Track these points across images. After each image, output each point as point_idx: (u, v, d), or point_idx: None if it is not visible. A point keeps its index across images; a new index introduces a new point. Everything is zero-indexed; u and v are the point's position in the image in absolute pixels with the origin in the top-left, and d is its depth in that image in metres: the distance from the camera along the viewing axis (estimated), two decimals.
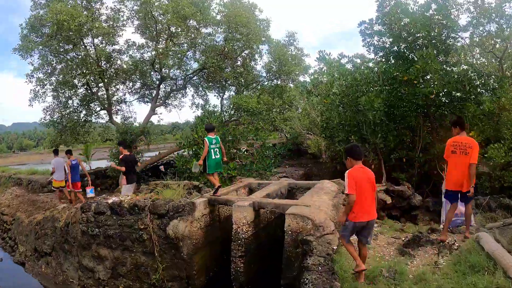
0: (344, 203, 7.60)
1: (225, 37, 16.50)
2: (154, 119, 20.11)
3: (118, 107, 21.01)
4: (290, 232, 6.43)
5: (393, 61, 11.14)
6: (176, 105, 21.07)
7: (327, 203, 7.13)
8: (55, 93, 16.38)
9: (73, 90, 17.18)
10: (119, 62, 18.30)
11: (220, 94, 19.45)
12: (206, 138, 8.43)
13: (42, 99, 15.43)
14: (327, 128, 12.55)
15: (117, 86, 20.19)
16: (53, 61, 15.06)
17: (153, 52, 16.57)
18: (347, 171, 4.91)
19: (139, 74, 18.82)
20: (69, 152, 13.17)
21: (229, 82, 17.87)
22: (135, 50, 17.71)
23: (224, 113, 17.47)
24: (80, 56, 14.74)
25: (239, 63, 17.77)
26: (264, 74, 18.08)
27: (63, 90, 16.47)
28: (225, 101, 20.09)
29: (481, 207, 8.45)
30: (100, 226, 9.63)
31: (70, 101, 17.03)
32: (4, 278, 11.70)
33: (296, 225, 6.38)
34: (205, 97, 20.60)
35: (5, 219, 16.09)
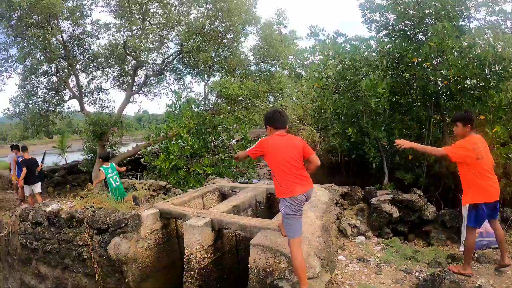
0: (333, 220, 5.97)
1: (203, 14, 14.43)
2: (133, 108, 18.37)
3: (96, 96, 19.34)
4: (256, 271, 4.48)
5: (397, 41, 9.19)
6: (156, 92, 19.24)
7: (314, 226, 5.10)
8: (22, 82, 14.43)
9: (41, 78, 15.30)
10: (93, 46, 16.49)
11: (204, 81, 17.55)
12: (101, 168, 8.34)
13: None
14: (319, 118, 10.63)
15: (94, 73, 18.43)
16: (10, 45, 13.08)
17: (126, 33, 14.58)
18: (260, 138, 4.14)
19: (116, 59, 16.92)
20: (15, 148, 11.81)
21: (214, 67, 15.89)
22: (105, 32, 15.74)
23: (206, 100, 15.48)
24: (44, 40, 12.70)
25: (224, 46, 15.77)
26: (252, 58, 16.01)
27: (30, 78, 14.50)
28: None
29: (508, 222, 6.62)
30: (38, 239, 8.04)
31: (36, 90, 15.02)
32: None
33: (264, 261, 4.43)
34: (185, 84, 18.71)
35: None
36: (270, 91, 14.96)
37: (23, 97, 14.38)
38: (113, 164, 8.77)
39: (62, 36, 14.18)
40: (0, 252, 9.94)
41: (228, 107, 13.04)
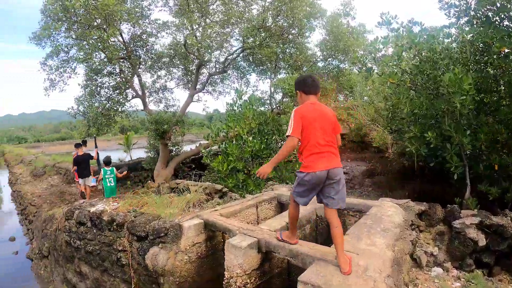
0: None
1: (264, 8, 13.56)
2: (198, 107, 18.18)
3: (161, 95, 19.54)
4: None
5: (481, 29, 7.55)
6: (220, 91, 18.86)
7: (384, 258, 3.78)
8: (87, 81, 14.80)
9: (106, 78, 15.61)
10: (156, 46, 16.55)
11: (269, 78, 16.72)
12: (101, 170, 10.14)
13: (60, 88, 13.88)
14: (393, 119, 9.26)
15: (158, 73, 18.55)
16: (69, 47, 13.33)
17: (186, 32, 14.25)
18: (294, 109, 3.69)
19: (180, 58, 16.82)
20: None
21: (280, 65, 15.00)
22: (164, 32, 15.58)
23: (272, 99, 14.60)
24: (102, 41, 12.83)
25: (289, 41, 14.80)
26: (319, 54, 14.82)
27: (93, 78, 14.82)
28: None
29: None
30: (81, 238, 7.89)
31: (99, 90, 15.33)
32: (9, 272, 11.60)
33: None
34: (249, 82, 18.06)
35: (31, 210, 15.17)
36: (339, 89, 13.72)
37: (87, 96, 14.59)
38: (113, 168, 10.23)
39: (122, 37, 14.18)
40: (49, 246, 10.27)
41: (293, 105, 12.09)
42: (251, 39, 12.85)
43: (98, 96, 15.15)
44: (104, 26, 12.35)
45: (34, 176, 22.61)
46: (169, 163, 16.59)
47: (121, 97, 15.96)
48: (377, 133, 16.50)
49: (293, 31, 14.32)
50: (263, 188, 8.67)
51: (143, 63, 17.07)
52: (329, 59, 14.30)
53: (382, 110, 11.12)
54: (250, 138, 10.61)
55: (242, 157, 10.39)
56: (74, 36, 12.85)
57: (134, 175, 18.38)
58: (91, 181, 12.00)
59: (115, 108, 15.20)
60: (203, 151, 11.67)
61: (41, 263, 11.11)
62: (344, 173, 17.48)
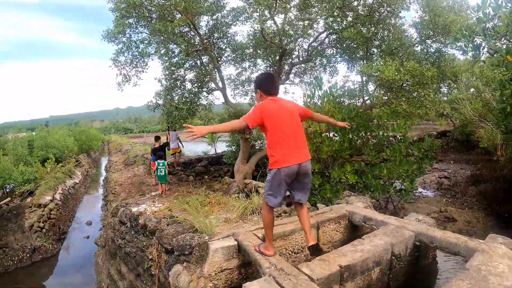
0: None
1: None
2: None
3: (248, 87, 18.57)
4: None
5: None
6: (308, 82, 17.15)
7: None
8: (166, 75, 14.39)
9: (187, 71, 15.09)
10: (238, 37, 15.55)
11: (359, 67, 14.46)
12: (156, 162, 11.08)
13: (134, 82, 13.47)
14: (509, 115, 6.72)
15: (242, 64, 17.55)
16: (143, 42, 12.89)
17: (262, 18, 12.82)
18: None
19: (262, 49, 15.58)
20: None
21: (372, 52, 12.76)
22: (239, 21, 14.34)
23: (363, 90, 12.41)
24: (178, 34, 12.20)
25: (380, 22, 12.41)
26: (415, 35, 12.14)
27: (173, 72, 14.33)
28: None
29: None
30: (122, 238, 7.35)
31: (179, 83, 14.77)
32: (75, 255, 12.21)
33: None
34: (337, 71, 15.91)
35: (110, 197, 15.34)
36: (441, 78, 11.02)
37: (165, 90, 14.13)
38: (165, 162, 10.99)
39: (196, 29, 13.31)
40: (106, 237, 10.01)
41: (384, 97, 9.87)
42: (331, 19, 10.95)
43: (177, 90, 14.57)
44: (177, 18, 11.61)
45: (125, 165, 23.58)
46: (250, 158, 15.44)
47: (201, 90, 15.22)
48: (484, 131, 13.77)
49: (383, 10, 11.99)
50: (340, 197, 6.91)
51: (225, 55, 16.15)
52: (427, 41, 11.61)
53: (495, 103, 8.54)
54: (331, 135, 8.89)
55: (319, 158, 8.69)
56: (147, 32, 12.46)
57: (214, 170, 17.74)
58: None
59: (194, 102, 14.46)
60: None
61: (101, 252, 11.15)
62: (445, 177, 14.93)
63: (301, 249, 4.59)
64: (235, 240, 4.31)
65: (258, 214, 7.03)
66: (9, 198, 15.24)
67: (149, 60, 12.85)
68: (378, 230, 4.34)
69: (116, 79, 12.81)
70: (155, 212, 6.31)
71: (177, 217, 5.88)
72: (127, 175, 19.42)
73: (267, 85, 3.75)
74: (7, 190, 16.43)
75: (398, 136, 8.93)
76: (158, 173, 10.96)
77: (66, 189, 17.93)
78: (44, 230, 12.51)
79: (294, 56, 15.76)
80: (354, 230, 5.10)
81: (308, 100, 9.85)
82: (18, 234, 11.83)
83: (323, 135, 8.77)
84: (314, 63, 15.85)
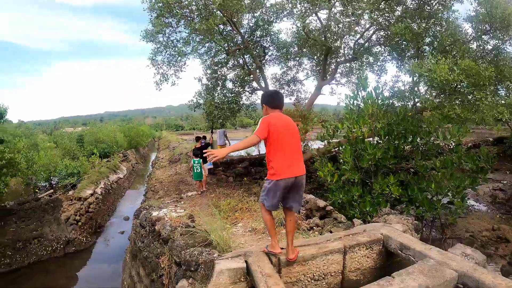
0: None
1: None
2: (331, 100, 15.89)
3: (293, 87, 17.94)
4: None
5: None
6: (355, 83, 16.16)
7: None
8: (207, 75, 14.11)
9: (229, 71, 14.74)
10: (282, 36, 14.92)
11: (407, 66, 13.19)
12: (192, 160, 11.49)
13: (172, 82, 13.09)
14: None
15: (288, 64, 16.92)
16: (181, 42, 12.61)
17: (305, 15, 12.08)
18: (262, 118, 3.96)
19: (305, 46, 14.89)
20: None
21: (424, 49, 11.60)
22: (279, 18, 13.63)
23: (414, 92, 11.29)
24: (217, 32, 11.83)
25: (431, 17, 11.20)
26: (470, 31, 10.77)
27: (215, 71, 13.98)
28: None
29: None
30: (142, 241, 7.07)
31: (221, 83, 14.43)
32: (108, 249, 12.49)
33: None
34: (385, 70, 14.71)
35: (149, 195, 15.31)
36: (499, 79, 9.58)
37: (208, 90, 13.81)
38: (200, 160, 11.29)
39: (236, 27, 12.80)
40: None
41: (436, 100, 8.75)
42: (376, 13, 9.99)
43: (218, 89, 14.24)
44: (219, 17, 11.22)
45: (170, 162, 23.75)
46: None
47: (243, 89, 14.80)
48: None
49: (434, 3, 10.80)
50: (381, 212, 6.11)
51: (268, 53, 15.59)
52: (484, 37, 10.21)
53: None
54: (375, 141, 8.02)
55: (359, 167, 7.86)
56: (186, 31, 12.15)
57: (255, 171, 17.13)
58: (206, 166, 12.73)
59: (235, 101, 14.05)
60: (313, 153, 9.47)
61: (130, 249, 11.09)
62: (500, 189, 13.71)
63: (323, 276, 3.91)
64: (245, 261, 3.74)
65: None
66: (51, 190, 15.68)
67: (187, 59, 12.51)
68: (414, 266, 3.53)
69: (153, 79, 12.61)
70: (175, 218, 5.89)
71: (193, 226, 5.40)
72: (169, 173, 19.47)
73: (272, 101, 4.01)
74: (54, 183, 16.96)
75: (450, 145, 7.88)
76: (194, 171, 11.44)
77: (109, 183, 18.24)
78: (79, 223, 12.69)
79: (339, 54, 14.88)
80: (389, 257, 4.30)
81: (351, 102, 9.02)
82: (53, 226, 12.08)
83: (366, 140, 7.94)
84: (361, 62, 14.86)
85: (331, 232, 5.92)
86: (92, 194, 15.15)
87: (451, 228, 8.78)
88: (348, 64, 15.58)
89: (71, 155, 21.84)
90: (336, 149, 9.36)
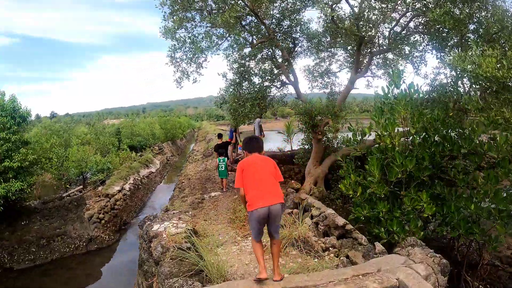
0: None
1: None
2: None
3: (327, 80, 16.91)
4: None
5: None
6: (391, 75, 14.92)
7: None
8: (234, 69, 13.41)
9: (258, 64, 13.98)
10: (312, 25, 13.92)
11: (447, 58, 11.71)
12: (217, 159, 12.37)
13: (193, 79, 12.28)
14: None
15: (320, 55, 15.93)
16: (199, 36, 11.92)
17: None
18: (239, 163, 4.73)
19: (336, 37, 13.90)
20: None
21: (468, 38, 10.25)
22: (312, 5, 12.56)
23: (455, 88, 10.02)
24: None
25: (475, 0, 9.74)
26: None
27: (241, 65, 13.29)
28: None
29: None
30: (144, 253, 6.56)
31: (248, 76, 13.66)
32: (130, 249, 12.11)
33: None
34: (425, 62, 13.25)
35: (175, 192, 15.06)
36: None
37: (233, 85, 13.11)
38: (225, 158, 12.29)
39: (259, 18, 11.94)
40: None
41: (481, 101, 7.53)
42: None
43: (246, 84, 13.50)
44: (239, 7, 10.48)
45: (203, 156, 23.35)
46: (323, 160, 13.81)
47: (272, 84, 13.97)
48: None
49: None
50: (404, 243, 5.22)
51: (299, 45, 14.67)
52: None
53: None
54: (400, 154, 6.88)
55: (387, 179, 6.89)
56: (207, 25, 11.47)
57: (285, 170, 16.20)
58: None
59: (262, 97, 13.27)
60: (338, 157, 8.50)
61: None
62: None
63: None
64: None
65: (301, 248, 5.68)
66: (81, 186, 15.78)
67: (208, 55, 11.81)
68: None
69: (173, 76, 11.98)
70: (171, 236, 5.34)
71: (187, 248, 4.79)
72: (199, 168, 19.14)
73: (249, 147, 4.67)
74: (88, 177, 17.14)
75: (496, 157, 6.65)
76: (219, 169, 12.18)
77: (139, 178, 18.21)
78: (103, 221, 12.68)
79: (374, 45, 13.64)
80: None
81: (381, 100, 7.97)
82: (76, 224, 12.13)
83: (396, 149, 6.84)
84: (398, 53, 13.59)
85: (347, 257, 5.14)
86: (119, 191, 15.10)
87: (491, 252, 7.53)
88: (383, 55, 14.34)
89: (105, 149, 22.10)
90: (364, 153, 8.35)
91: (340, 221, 6.12)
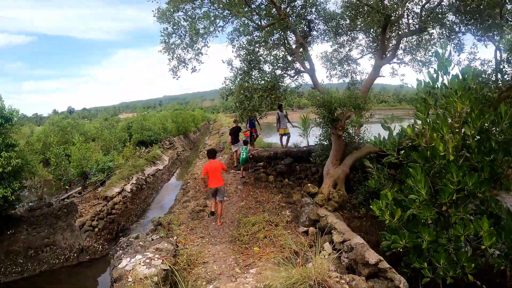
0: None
1: None
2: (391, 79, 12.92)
3: (347, 67, 15.13)
4: None
5: None
6: (422, 61, 13.02)
7: None
8: (242, 56, 11.62)
9: (268, 51, 12.19)
10: (330, 6, 12.21)
11: (493, 41, 9.81)
12: (241, 147, 13.90)
13: (192, 67, 10.52)
14: None
15: (339, 40, 14.18)
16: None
17: None
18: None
19: (356, 18, 12.43)
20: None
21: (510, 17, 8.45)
22: None
23: (499, 75, 8.29)
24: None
25: None
26: None
27: (250, 51, 11.50)
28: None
29: None
30: None
31: (257, 65, 11.87)
32: None
33: None
34: (461, 46, 11.20)
35: (178, 195, 13.70)
36: None
37: (240, 74, 11.44)
38: (247, 147, 13.55)
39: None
40: None
41: None
42: None
43: (255, 72, 11.79)
44: None
45: None
46: (344, 159, 12.08)
47: (285, 73, 12.28)
48: None
49: None
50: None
51: (314, 28, 12.95)
52: None
53: None
54: (455, 163, 5.17)
55: (435, 200, 5.23)
56: (209, 4, 9.79)
57: (300, 169, 14.34)
58: (236, 147, 15.01)
59: (274, 86, 11.57)
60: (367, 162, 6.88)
61: None
62: None
63: None
64: None
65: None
66: (79, 188, 14.58)
67: (208, 39, 10.06)
68: None
69: (169, 65, 10.31)
70: (138, 280, 3.90)
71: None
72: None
73: (209, 156, 9.28)
74: (87, 178, 15.97)
75: None
76: (242, 156, 13.23)
77: (143, 178, 16.89)
78: (96, 229, 11.41)
79: (402, 25, 11.78)
80: None
81: (424, 90, 6.20)
82: (66, 233, 10.94)
83: (450, 158, 5.09)
84: (430, 34, 11.67)
85: None
86: (119, 193, 13.81)
87: None
88: (413, 38, 12.49)
89: (111, 146, 20.93)
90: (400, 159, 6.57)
91: (372, 257, 4.56)
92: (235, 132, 14.91)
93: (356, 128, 12.59)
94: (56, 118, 24.51)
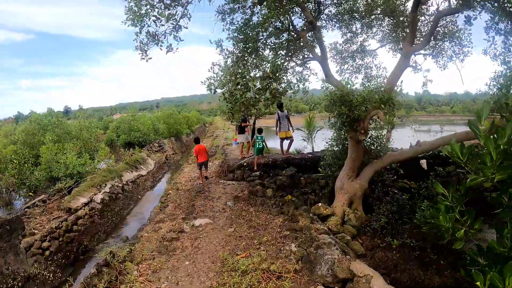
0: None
1: None
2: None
3: (360, 62, 13.00)
4: None
5: None
6: (455, 51, 10.84)
7: None
8: (236, 39, 9.23)
9: (270, 38, 9.89)
10: None
11: None
12: (255, 136, 13.29)
13: (167, 45, 7.75)
14: None
15: (353, 27, 12.08)
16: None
17: None
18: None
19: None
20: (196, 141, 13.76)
21: None
22: None
23: None
24: None
25: None
26: None
27: (245, 37, 9.06)
28: None
29: None
30: None
31: (257, 53, 9.42)
32: None
33: None
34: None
35: (155, 209, 11.46)
36: None
37: (237, 61, 9.06)
38: (262, 136, 13.16)
39: None
40: None
41: None
42: None
43: (252, 58, 9.43)
44: None
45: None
46: (362, 170, 9.74)
47: (290, 59, 10.01)
48: None
49: None
50: None
51: (324, 11, 10.83)
52: None
53: None
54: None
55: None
56: None
57: (306, 181, 11.93)
58: (241, 139, 15.34)
59: (276, 78, 9.19)
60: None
61: None
62: None
63: None
64: None
65: None
66: (43, 196, 12.30)
67: (187, 7, 7.60)
68: None
69: (136, 42, 7.70)
70: None
71: None
72: (194, 174, 15.55)
73: (195, 142, 13.51)
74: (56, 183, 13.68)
75: None
76: (257, 146, 12.97)
77: (120, 185, 14.53)
78: (47, 252, 9.00)
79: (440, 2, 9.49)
80: None
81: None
82: (9, 256, 8.49)
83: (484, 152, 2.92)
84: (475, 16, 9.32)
85: None
86: (86, 204, 11.47)
87: None
88: (451, 20, 10.26)
89: (90, 148, 18.75)
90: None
91: None
92: (241, 129, 15.27)
93: (388, 129, 10.29)
94: (37, 116, 22.30)
